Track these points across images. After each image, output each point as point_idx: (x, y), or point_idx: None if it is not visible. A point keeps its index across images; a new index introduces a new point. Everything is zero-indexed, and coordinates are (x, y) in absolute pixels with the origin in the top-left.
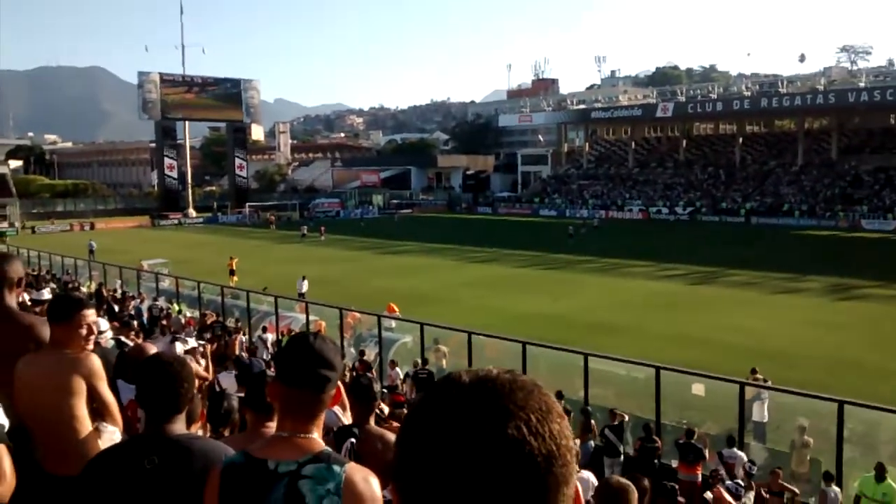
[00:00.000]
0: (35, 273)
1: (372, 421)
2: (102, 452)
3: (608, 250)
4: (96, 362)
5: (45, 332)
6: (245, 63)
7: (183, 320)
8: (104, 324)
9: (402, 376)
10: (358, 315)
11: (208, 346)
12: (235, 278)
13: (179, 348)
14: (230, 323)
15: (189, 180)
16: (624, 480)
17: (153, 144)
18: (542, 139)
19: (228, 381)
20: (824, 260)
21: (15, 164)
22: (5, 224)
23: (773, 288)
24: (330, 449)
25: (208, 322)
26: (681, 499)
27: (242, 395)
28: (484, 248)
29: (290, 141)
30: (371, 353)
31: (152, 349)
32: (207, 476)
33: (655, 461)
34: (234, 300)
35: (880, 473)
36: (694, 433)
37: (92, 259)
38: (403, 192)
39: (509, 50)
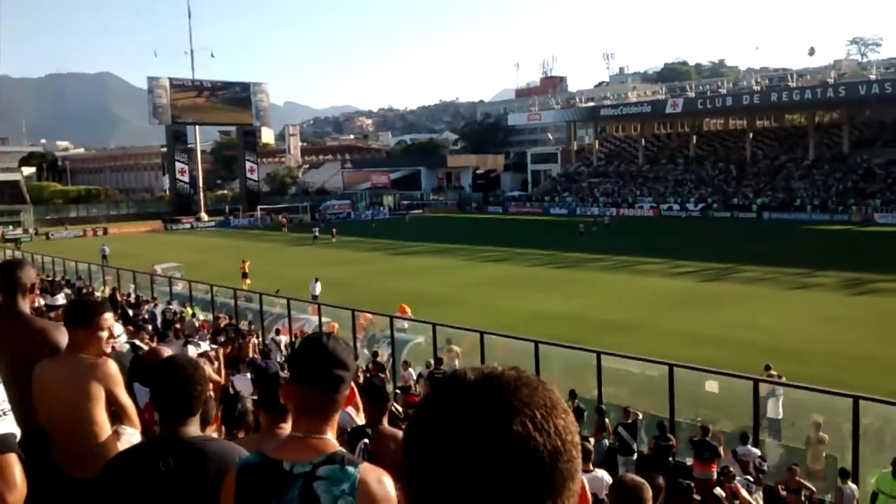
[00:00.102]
0: (50, 279)
1: (385, 421)
2: (118, 455)
3: (619, 248)
4: (113, 368)
5: (59, 336)
6: (254, 66)
7: (196, 323)
8: (118, 328)
9: (415, 377)
10: (370, 316)
11: (220, 350)
12: (248, 281)
13: (192, 352)
14: (243, 326)
15: (201, 184)
16: (638, 478)
17: (164, 149)
18: (551, 137)
19: (243, 383)
20: (837, 255)
21: (28, 171)
22: (20, 230)
23: (786, 284)
24: (344, 450)
25: (222, 325)
26: (696, 496)
27: (256, 397)
28: (495, 247)
29: (300, 143)
30: (384, 354)
31: (167, 352)
32: (223, 477)
33: (670, 459)
34: (247, 303)
35: None
36: (709, 431)
37: (105, 264)
38: (414, 193)
39: (517, 48)
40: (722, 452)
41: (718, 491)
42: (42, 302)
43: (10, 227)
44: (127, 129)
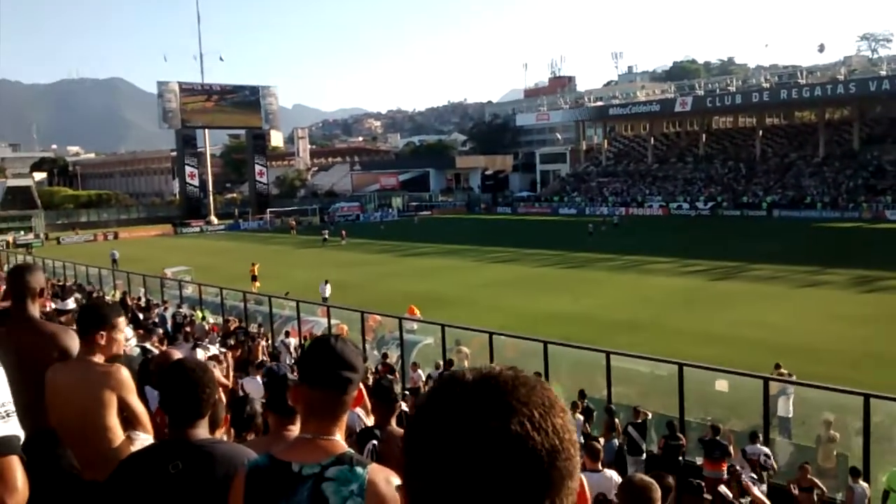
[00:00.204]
0: (61, 283)
1: (394, 422)
2: (128, 457)
3: (629, 247)
4: (126, 374)
5: (68, 340)
6: (263, 70)
7: (206, 327)
8: (128, 331)
9: (424, 378)
10: (379, 318)
11: (229, 353)
12: (258, 284)
13: (201, 355)
14: (253, 328)
15: (210, 188)
16: (647, 478)
17: (174, 153)
18: (560, 137)
19: (252, 386)
20: (848, 252)
21: (39, 176)
22: (31, 235)
23: (796, 282)
24: (352, 451)
25: (231, 328)
26: (707, 496)
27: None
28: (504, 248)
29: (308, 146)
30: (393, 356)
31: (177, 355)
32: (231, 479)
33: (680, 458)
34: (256, 306)
35: None
36: (719, 430)
37: (115, 268)
38: (422, 194)
39: (525, 49)
40: (732, 452)
41: (723, 489)
42: (52, 306)
43: (22, 233)
44: (137, 134)
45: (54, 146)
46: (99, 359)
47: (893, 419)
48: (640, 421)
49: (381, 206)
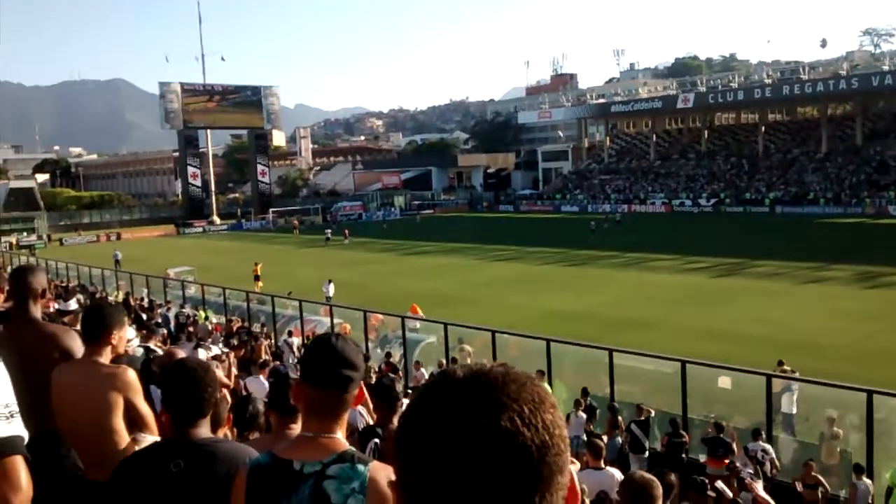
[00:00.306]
0: (64, 284)
1: (396, 421)
2: (130, 457)
3: (631, 245)
4: (132, 376)
5: (69, 341)
6: (265, 69)
7: (210, 327)
8: (131, 332)
9: (427, 377)
10: (381, 317)
11: (231, 353)
12: (260, 283)
13: (203, 355)
14: (256, 328)
15: (212, 188)
16: (648, 475)
17: (176, 154)
18: (562, 135)
19: (255, 385)
20: (851, 248)
21: (42, 177)
22: (34, 237)
23: (799, 278)
24: (354, 448)
25: (234, 328)
26: (710, 493)
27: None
28: (506, 246)
29: (311, 146)
30: (396, 355)
31: (181, 354)
32: (233, 478)
33: (683, 456)
34: (259, 305)
35: None
36: (723, 427)
37: (118, 269)
38: (425, 193)
39: (527, 46)
40: (736, 449)
41: (720, 485)
42: (55, 307)
43: (25, 234)
44: (139, 135)
45: (57, 147)
46: (105, 359)
47: None
48: (643, 418)
49: (384, 205)
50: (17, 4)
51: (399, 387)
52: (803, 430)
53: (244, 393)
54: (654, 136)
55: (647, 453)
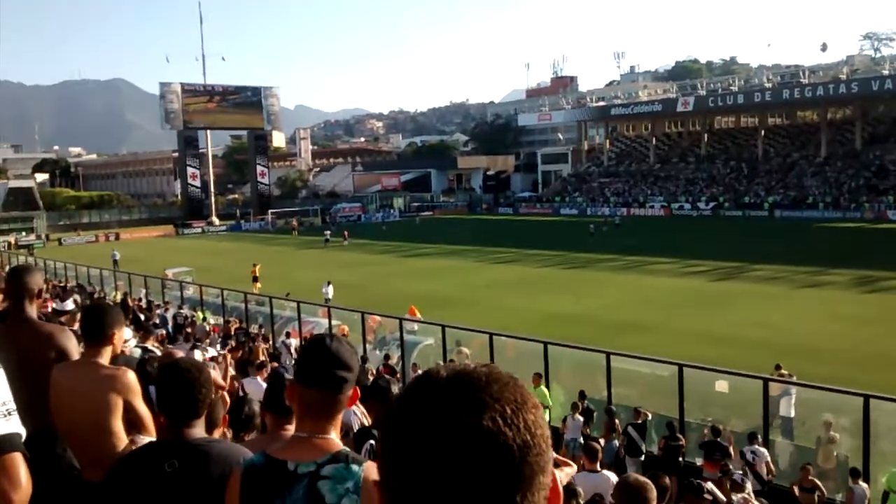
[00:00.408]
0: (62, 284)
1: None
2: (124, 457)
3: (630, 248)
4: (131, 377)
5: (65, 340)
6: (265, 70)
7: (207, 328)
8: (128, 332)
9: None
10: (379, 318)
11: (228, 355)
12: (259, 285)
13: (199, 357)
14: (254, 329)
15: (212, 189)
16: (642, 478)
17: (176, 154)
18: (561, 137)
19: (253, 386)
20: (850, 252)
21: (41, 177)
22: (33, 236)
23: (798, 282)
24: (348, 449)
25: (232, 329)
26: (707, 496)
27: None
28: (505, 248)
29: (310, 147)
30: (394, 357)
31: (179, 355)
32: (227, 478)
33: (680, 459)
34: (257, 306)
35: None
36: (720, 431)
37: (116, 269)
38: (424, 195)
39: (527, 49)
40: (732, 453)
41: (709, 486)
42: (52, 307)
43: (24, 234)
44: (139, 135)
45: (56, 147)
46: (105, 360)
47: (894, 420)
48: (640, 422)
49: (383, 207)
50: (18, 4)
51: (395, 388)
52: (800, 434)
53: (242, 393)
54: (654, 139)
55: (643, 456)
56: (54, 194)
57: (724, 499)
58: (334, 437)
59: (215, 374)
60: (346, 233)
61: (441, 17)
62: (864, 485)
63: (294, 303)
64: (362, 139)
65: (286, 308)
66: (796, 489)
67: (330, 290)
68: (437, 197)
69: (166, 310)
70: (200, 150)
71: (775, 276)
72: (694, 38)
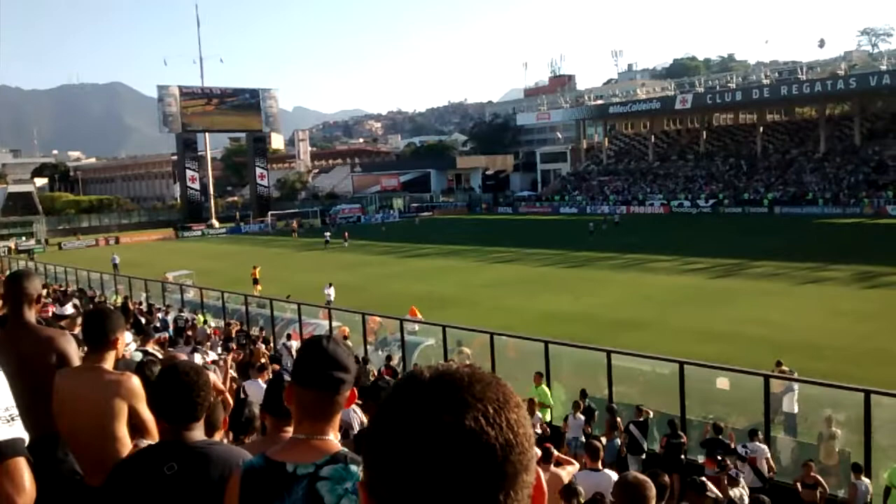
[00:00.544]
0: (62, 289)
1: None
2: (124, 460)
3: (630, 246)
4: (136, 382)
5: (65, 345)
6: (263, 72)
7: (208, 330)
8: (128, 336)
9: None
10: (379, 319)
11: (229, 357)
12: (259, 287)
13: (198, 360)
14: (254, 331)
15: (211, 191)
16: (642, 476)
17: (175, 157)
18: (560, 136)
19: (254, 389)
20: (850, 248)
21: (41, 181)
22: (32, 241)
23: (798, 278)
24: (346, 449)
25: (233, 332)
26: (710, 494)
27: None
28: (505, 248)
29: (309, 148)
30: (395, 357)
31: (182, 358)
32: (227, 481)
33: (682, 457)
34: (258, 309)
35: None
36: (721, 429)
37: (116, 273)
38: (423, 195)
39: (525, 48)
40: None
41: (708, 483)
42: (52, 311)
43: (24, 238)
44: (138, 138)
45: (55, 151)
46: (108, 365)
47: (894, 415)
48: (641, 420)
49: (383, 208)
50: (16, 7)
51: None
52: (802, 430)
53: (243, 396)
54: (653, 137)
55: (645, 455)
56: (53, 199)
57: (722, 495)
58: (332, 438)
59: (214, 377)
60: (346, 234)
61: (438, 18)
62: (867, 480)
63: (295, 305)
64: (361, 140)
65: (287, 310)
66: (799, 485)
67: (332, 292)
68: (437, 197)
69: (167, 313)
70: (199, 153)
71: (775, 272)
72: (691, 35)
